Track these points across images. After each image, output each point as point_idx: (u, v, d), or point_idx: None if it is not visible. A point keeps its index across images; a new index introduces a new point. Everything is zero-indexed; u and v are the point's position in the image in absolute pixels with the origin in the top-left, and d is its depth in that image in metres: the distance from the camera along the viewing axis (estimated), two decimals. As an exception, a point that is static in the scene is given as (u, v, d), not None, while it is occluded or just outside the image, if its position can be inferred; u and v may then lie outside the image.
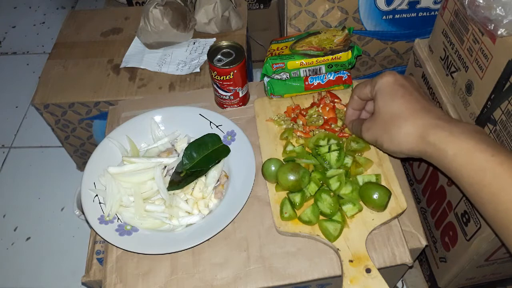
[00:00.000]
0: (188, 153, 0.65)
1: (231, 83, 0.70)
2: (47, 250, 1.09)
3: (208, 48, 0.81)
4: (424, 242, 0.61)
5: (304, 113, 0.70)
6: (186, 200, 0.64)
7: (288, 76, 0.72)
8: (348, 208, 0.59)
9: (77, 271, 1.04)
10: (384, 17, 0.83)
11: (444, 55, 0.69)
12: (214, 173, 0.66)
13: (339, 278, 0.56)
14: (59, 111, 0.95)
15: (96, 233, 0.60)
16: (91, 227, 0.61)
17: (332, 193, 0.60)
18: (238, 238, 0.61)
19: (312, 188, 0.60)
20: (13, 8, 1.78)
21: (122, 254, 0.61)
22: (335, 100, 0.71)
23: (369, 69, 0.96)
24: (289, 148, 0.65)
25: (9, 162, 1.29)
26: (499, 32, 0.51)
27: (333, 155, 0.62)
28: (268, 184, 0.63)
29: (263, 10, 1.23)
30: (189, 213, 0.63)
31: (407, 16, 0.83)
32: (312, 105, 0.71)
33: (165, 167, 0.67)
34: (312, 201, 0.61)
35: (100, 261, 0.69)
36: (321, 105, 0.70)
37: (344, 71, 0.72)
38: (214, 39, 1.01)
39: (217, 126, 0.71)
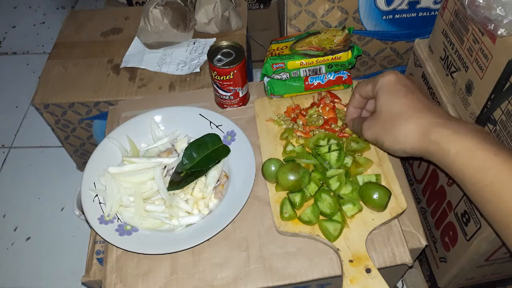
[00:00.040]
0: (188, 153, 0.65)
1: (231, 83, 0.70)
2: (47, 250, 1.09)
3: (208, 48, 0.81)
4: (424, 242, 0.61)
5: (304, 113, 0.70)
6: (186, 200, 0.64)
7: (288, 76, 0.72)
8: (348, 208, 0.59)
9: (77, 271, 1.04)
10: (384, 17, 0.83)
11: (444, 55, 0.69)
12: (214, 173, 0.66)
13: (339, 278, 0.56)
14: (59, 111, 0.95)
15: (96, 233, 0.60)
16: (91, 227, 0.61)
17: (332, 193, 0.60)
18: (238, 238, 0.61)
19: (312, 188, 0.60)
20: (13, 8, 1.78)
21: (122, 254, 0.61)
22: (335, 100, 0.71)
23: (369, 69, 0.96)
24: (289, 148, 0.65)
25: (9, 162, 1.29)
26: (499, 32, 0.51)
27: (333, 155, 0.62)
28: (268, 184, 0.63)
29: (263, 10, 1.23)
30: (189, 213, 0.63)
31: (407, 16, 0.83)
32: (312, 105, 0.71)
33: (165, 167, 0.67)
34: (312, 201, 0.61)
35: (100, 261, 0.69)
36: (321, 105, 0.70)
37: (344, 71, 0.72)
38: (214, 39, 1.01)
39: (217, 126, 0.71)
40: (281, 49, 0.73)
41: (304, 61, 0.70)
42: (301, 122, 0.69)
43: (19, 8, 1.79)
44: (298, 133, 0.67)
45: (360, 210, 0.59)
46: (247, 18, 1.07)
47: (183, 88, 0.91)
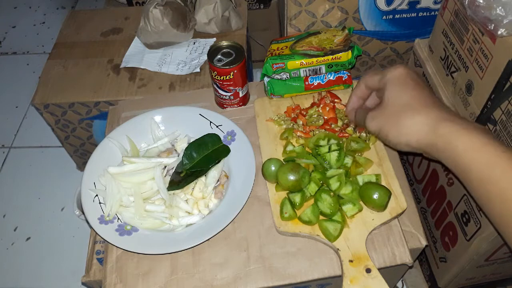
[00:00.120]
0: (188, 153, 0.65)
1: (231, 83, 0.70)
2: (47, 250, 1.09)
3: (208, 48, 0.81)
4: (424, 242, 0.61)
5: (304, 113, 0.70)
6: (186, 200, 0.64)
7: (288, 76, 0.72)
8: (348, 208, 0.59)
9: (77, 271, 1.04)
10: (384, 17, 0.83)
11: (444, 55, 0.69)
12: (214, 173, 0.66)
13: (339, 278, 0.56)
14: (59, 111, 0.95)
15: (96, 233, 0.60)
16: (91, 227, 0.61)
17: (332, 193, 0.60)
18: (238, 238, 0.61)
19: (312, 188, 0.60)
20: (13, 8, 1.78)
21: (122, 254, 0.61)
22: (335, 100, 0.71)
23: (369, 69, 0.96)
24: (289, 148, 0.65)
25: (9, 162, 1.29)
26: (499, 32, 0.51)
27: (333, 155, 0.62)
28: (268, 184, 0.63)
29: (263, 10, 1.23)
30: (189, 213, 0.63)
31: (407, 16, 0.83)
32: (312, 105, 0.71)
33: (165, 167, 0.67)
34: (312, 201, 0.61)
35: (100, 261, 0.69)
36: (321, 105, 0.70)
37: (344, 71, 0.72)
38: (214, 39, 1.01)
39: (217, 126, 0.71)
40: (281, 49, 0.73)
41: (304, 61, 0.70)
42: (301, 122, 0.69)
43: (19, 8, 1.79)
44: (298, 133, 0.67)
45: (360, 210, 0.59)
46: (247, 18, 1.07)
47: (183, 88, 0.91)
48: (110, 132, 0.71)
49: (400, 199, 0.60)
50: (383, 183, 0.62)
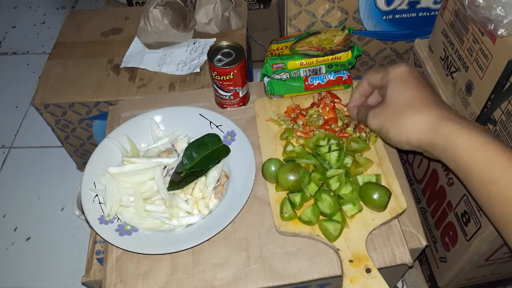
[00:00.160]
0: (188, 153, 0.65)
1: (231, 83, 0.70)
2: (47, 250, 1.09)
3: (208, 48, 0.81)
4: (424, 242, 0.61)
5: (304, 113, 0.70)
6: (186, 200, 0.64)
7: (288, 76, 0.72)
8: (348, 208, 0.59)
9: (77, 271, 1.04)
10: (384, 17, 0.83)
11: (444, 55, 0.69)
12: (214, 173, 0.66)
13: (339, 278, 0.56)
14: (59, 111, 0.95)
15: (96, 233, 0.60)
16: (91, 227, 0.61)
17: (332, 193, 0.60)
18: (238, 238, 0.61)
19: (312, 188, 0.60)
20: (13, 8, 1.78)
21: (122, 254, 0.61)
22: (335, 100, 0.71)
23: (369, 69, 0.96)
24: (289, 148, 0.65)
25: (9, 162, 1.29)
26: (499, 32, 0.51)
27: (333, 155, 0.62)
28: (268, 184, 0.63)
29: (263, 10, 1.23)
30: (189, 213, 0.63)
31: (407, 16, 0.83)
32: (312, 105, 0.71)
33: (165, 167, 0.67)
34: (312, 201, 0.61)
35: (100, 261, 0.69)
36: (321, 105, 0.70)
37: (344, 71, 0.72)
38: (214, 39, 1.01)
39: (217, 126, 0.71)
40: (281, 49, 0.73)
41: (304, 61, 0.70)
42: (301, 122, 0.69)
43: (19, 8, 1.79)
44: (298, 133, 0.67)
45: (360, 210, 0.59)
46: (247, 18, 1.07)
47: (183, 88, 0.91)
48: (110, 132, 0.71)
49: (400, 199, 0.60)
50: (383, 183, 0.62)
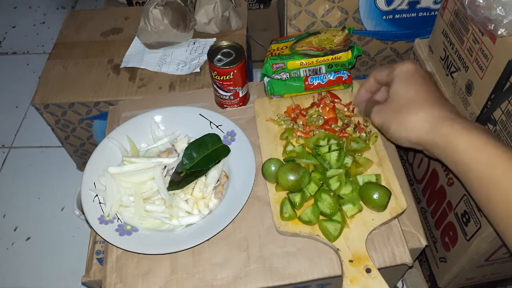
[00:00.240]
0: (188, 153, 0.65)
1: (231, 83, 0.70)
2: (47, 250, 1.09)
3: (208, 48, 0.81)
4: (424, 242, 0.61)
5: (304, 113, 0.70)
6: (186, 200, 0.64)
7: (288, 76, 0.72)
8: (348, 208, 0.59)
9: (77, 271, 1.04)
10: (384, 17, 0.83)
11: (444, 55, 0.69)
12: (214, 173, 0.66)
13: (339, 278, 0.56)
14: (59, 111, 0.95)
15: (96, 233, 0.60)
16: (91, 227, 0.61)
17: (332, 193, 0.60)
18: (238, 238, 0.61)
19: (312, 188, 0.60)
20: (13, 8, 1.78)
21: (122, 254, 0.61)
22: (335, 100, 0.71)
23: (369, 69, 0.96)
24: (289, 148, 0.65)
25: (9, 162, 1.29)
26: (499, 32, 0.51)
27: (333, 155, 0.62)
28: (268, 184, 0.63)
29: (263, 10, 1.23)
30: (189, 213, 0.63)
31: (407, 16, 0.83)
32: (312, 105, 0.71)
33: (165, 167, 0.67)
34: (312, 201, 0.61)
35: (100, 261, 0.69)
36: (321, 105, 0.70)
37: (344, 71, 0.72)
38: (214, 39, 1.01)
39: (217, 126, 0.71)
40: (281, 49, 0.73)
41: (304, 61, 0.70)
42: (301, 122, 0.69)
43: (19, 8, 1.79)
44: (298, 133, 0.67)
45: (360, 210, 0.59)
46: (247, 18, 1.07)
47: (183, 88, 0.91)
48: (110, 132, 0.71)
49: (400, 199, 0.60)
50: (383, 183, 0.62)
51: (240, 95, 0.73)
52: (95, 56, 0.99)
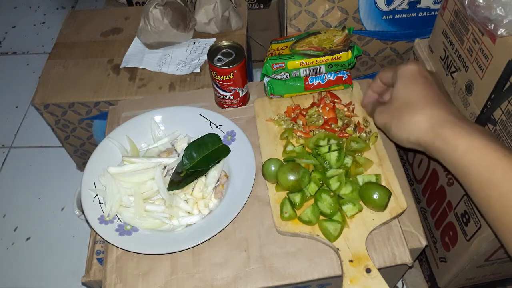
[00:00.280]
0: (188, 153, 0.65)
1: (231, 83, 0.70)
2: (47, 250, 1.09)
3: (208, 48, 0.81)
4: (424, 242, 0.61)
5: (304, 113, 0.70)
6: (186, 200, 0.64)
7: (288, 76, 0.72)
8: (348, 208, 0.59)
9: (77, 271, 1.04)
10: (384, 17, 0.83)
11: (444, 55, 0.69)
12: (214, 173, 0.66)
13: (339, 278, 0.56)
14: (59, 111, 0.95)
15: (96, 233, 0.60)
16: (91, 227, 0.61)
17: (332, 193, 0.60)
18: (238, 238, 0.61)
19: (312, 188, 0.60)
20: (13, 8, 1.78)
21: (122, 254, 0.61)
22: (335, 100, 0.71)
23: (369, 69, 0.96)
24: (289, 148, 0.65)
25: (9, 162, 1.29)
26: (499, 32, 0.51)
27: (333, 155, 0.62)
28: (268, 184, 0.63)
29: (263, 10, 1.23)
30: (189, 213, 0.63)
31: (407, 16, 0.83)
32: (312, 105, 0.71)
33: (165, 167, 0.67)
34: (312, 201, 0.61)
35: (100, 261, 0.69)
36: (321, 105, 0.70)
37: (344, 71, 0.72)
38: (214, 39, 1.01)
39: (217, 126, 0.71)
40: (281, 49, 0.73)
41: (304, 61, 0.70)
42: (301, 122, 0.69)
43: (19, 8, 1.79)
44: (298, 133, 0.67)
45: (360, 210, 0.59)
46: (247, 18, 1.07)
47: (183, 88, 0.91)
48: (110, 132, 0.71)
49: (400, 199, 0.60)
50: (383, 183, 0.62)
51: (240, 95, 0.73)
52: (95, 56, 0.99)
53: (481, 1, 0.50)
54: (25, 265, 1.07)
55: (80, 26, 1.07)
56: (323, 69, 0.71)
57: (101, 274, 0.64)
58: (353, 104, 0.71)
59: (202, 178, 0.66)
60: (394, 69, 0.56)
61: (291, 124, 0.69)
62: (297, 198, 0.60)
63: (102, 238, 0.60)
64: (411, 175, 0.84)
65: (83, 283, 0.69)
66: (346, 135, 0.66)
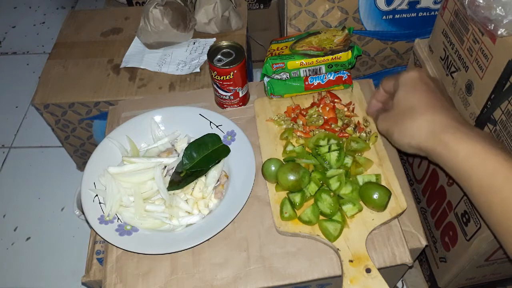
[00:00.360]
0: (188, 153, 0.65)
1: (231, 83, 0.70)
2: (47, 250, 1.09)
3: (208, 48, 0.81)
4: (424, 242, 0.61)
5: (304, 113, 0.70)
6: (186, 200, 0.64)
7: (288, 76, 0.72)
8: (348, 208, 0.59)
9: (77, 271, 1.04)
10: (384, 17, 0.83)
11: (444, 55, 0.69)
12: (214, 173, 0.66)
13: (339, 278, 0.56)
14: (59, 111, 0.95)
15: (96, 233, 0.60)
16: (91, 227, 0.61)
17: (332, 193, 0.60)
18: (238, 238, 0.61)
19: (312, 188, 0.60)
20: (13, 8, 1.78)
21: (122, 254, 0.61)
22: (335, 100, 0.71)
23: (369, 69, 0.96)
24: (289, 148, 0.65)
25: (9, 162, 1.29)
26: (499, 32, 0.51)
27: (333, 155, 0.62)
28: (268, 184, 0.63)
29: (263, 10, 1.23)
30: (189, 213, 0.63)
31: (407, 16, 0.83)
32: (312, 105, 0.71)
33: (165, 167, 0.67)
34: (312, 201, 0.61)
35: (100, 261, 0.69)
36: (321, 105, 0.70)
37: (344, 71, 0.72)
38: (214, 39, 1.01)
39: (217, 126, 0.71)
40: (281, 49, 0.73)
41: (304, 61, 0.70)
42: (301, 122, 0.69)
43: (19, 8, 1.79)
44: (298, 133, 0.67)
45: (360, 210, 0.59)
46: (247, 18, 1.07)
47: (183, 88, 0.91)
48: (110, 132, 0.71)
49: (400, 199, 0.60)
50: (383, 183, 0.62)
51: (240, 95, 0.73)
52: (95, 56, 0.99)
53: (481, 1, 0.50)
54: (25, 265, 1.07)
55: (80, 26, 1.07)
56: (323, 69, 0.71)
57: (101, 274, 0.64)
58: (353, 104, 0.71)
59: (202, 178, 0.66)
60: (395, 77, 0.57)
61: (291, 124, 0.69)
62: (297, 198, 0.60)
63: (102, 238, 0.60)
64: (411, 175, 0.84)
65: (83, 283, 0.69)
66: (346, 135, 0.66)
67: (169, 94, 0.89)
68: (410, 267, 0.61)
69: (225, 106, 0.75)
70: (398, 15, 0.83)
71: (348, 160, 0.63)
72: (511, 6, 0.48)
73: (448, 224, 0.70)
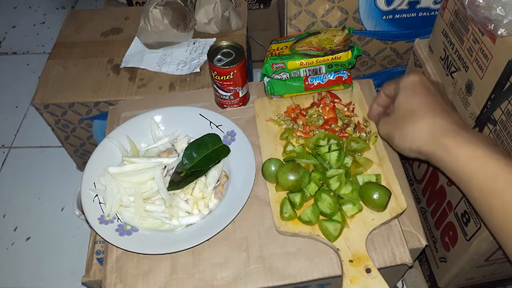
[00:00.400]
0: (188, 153, 0.65)
1: (231, 83, 0.70)
2: (47, 250, 1.09)
3: (208, 48, 0.81)
4: (424, 242, 0.61)
5: (304, 113, 0.70)
6: (186, 200, 0.64)
7: (288, 76, 0.72)
8: (348, 208, 0.59)
9: (77, 271, 1.04)
10: (384, 17, 0.83)
11: (444, 55, 0.69)
12: (214, 173, 0.66)
13: (339, 278, 0.56)
14: (59, 111, 0.95)
15: (96, 233, 0.60)
16: (91, 227, 0.61)
17: (332, 193, 0.60)
18: (238, 238, 0.61)
19: (312, 188, 0.60)
20: (13, 8, 1.79)
21: (122, 254, 0.61)
22: (335, 100, 0.71)
23: (369, 69, 0.96)
24: (289, 148, 0.65)
25: (9, 162, 1.29)
26: (499, 32, 0.51)
27: (333, 155, 0.62)
28: (268, 184, 0.63)
29: (263, 10, 1.23)
30: (189, 213, 0.63)
31: (407, 16, 0.83)
32: (312, 105, 0.71)
33: (165, 167, 0.67)
34: (312, 201, 0.61)
35: (100, 261, 0.69)
36: (321, 105, 0.70)
37: (344, 71, 0.72)
38: (214, 39, 1.01)
39: (217, 126, 0.71)
40: (281, 49, 0.73)
41: (304, 61, 0.70)
42: (301, 122, 0.69)
43: (19, 8, 1.79)
44: (298, 133, 0.67)
45: (360, 210, 0.59)
46: (247, 18, 1.07)
47: (183, 88, 0.91)
48: (110, 132, 0.71)
49: (400, 199, 0.60)
50: (383, 183, 0.62)
51: (240, 95, 0.73)
52: (95, 56, 0.99)
53: (481, 1, 0.50)
54: (25, 265, 1.07)
55: (80, 26, 1.07)
56: (323, 69, 0.71)
57: (101, 274, 0.64)
58: (353, 104, 0.71)
59: (202, 178, 0.66)
60: (396, 81, 0.57)
61: (291, 124, 0.69)
62: (297, 198, 0.60)
63: (102, 238, 0.60)
64: (411, 175, 0.84)
65: (83, 283, 0.69)
66: (346, 135, 0.66)
67: (169, 94, 0.89)
68: (410, 267, 0.61)
69: (225, 106, 0.75)
70: (398, 15, 0.83)
71: (348, 160, 0.63)
72: (511, 6, 0.48)
73: (448, 224, 0.70)
